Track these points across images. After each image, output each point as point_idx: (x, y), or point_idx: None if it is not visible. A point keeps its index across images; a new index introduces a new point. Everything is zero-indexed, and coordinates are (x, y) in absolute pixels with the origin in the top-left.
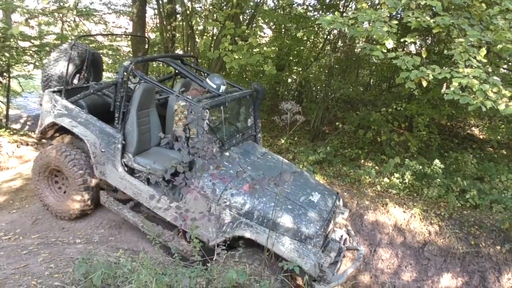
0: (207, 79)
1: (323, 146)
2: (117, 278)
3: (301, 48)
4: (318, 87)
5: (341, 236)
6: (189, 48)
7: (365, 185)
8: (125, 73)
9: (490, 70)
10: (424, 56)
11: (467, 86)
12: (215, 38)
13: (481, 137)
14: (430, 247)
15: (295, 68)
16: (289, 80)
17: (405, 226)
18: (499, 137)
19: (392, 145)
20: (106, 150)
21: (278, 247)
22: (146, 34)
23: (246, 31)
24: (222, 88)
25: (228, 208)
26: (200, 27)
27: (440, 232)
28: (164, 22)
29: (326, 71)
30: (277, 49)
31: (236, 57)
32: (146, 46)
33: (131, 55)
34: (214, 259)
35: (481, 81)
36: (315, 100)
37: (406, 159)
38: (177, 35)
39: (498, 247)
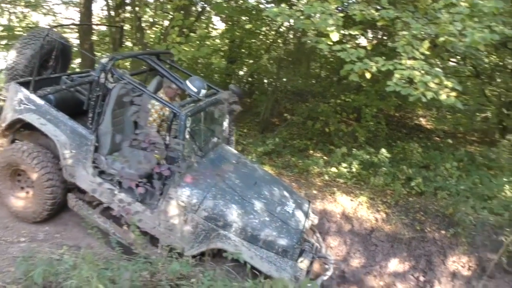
0: (187, 82)
1: (272, 138)
2: (59, 275)
3: (252, 40)
4: (270, 80)
5: (313, 245)
6: (137, 41)
7: (313, 175)
8: (102, 71)
9: (437, 62)
10: (369, 48)
11: (409, 78)
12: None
13: (428, 127)
14: (377, 233)
15: (247, 60)
16: (241, 72)
17: (352, 214)
18: (445, 127)
19: (341, 136)
20: (77, 151)
21: (256, 260)
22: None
23: (196, 23)
24: (203, 92)
25: (206, 219)
26: (150, 19)
27: (387, 219)
28: (112, 13)
29: (276, 64)
30: (228, 41)
31: (185, 49)
32: (119, 36)
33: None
34: (158, 251)
35: (423, 72)
36: (266, 92)
37: (354, 149)
38: (127, 26)
39: (443, 232)
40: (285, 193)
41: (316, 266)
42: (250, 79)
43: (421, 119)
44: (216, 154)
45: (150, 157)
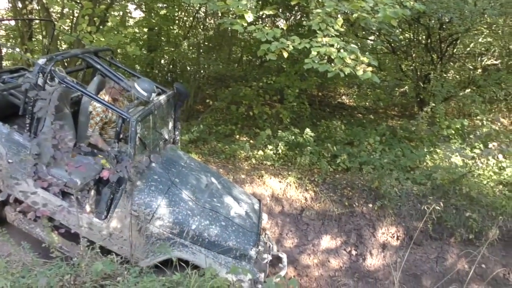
0: (136, 85)
1: (196, 125)
2: None
3: (170, 27)
4: (192, 67)
5: (266, 244)
6: (45, 33)
7: (240, 160)
8: (40, 74)
9: (352, 40)
10: (284, 28)
11: (327, 55)
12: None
13: (350, 104)
14: (307, 212)
15: (167, 48)
16: (162, 61)
17: (282, 195)
18: (367, 103)
19: (265, 118)
20: (14, 161)
21: (215, 267)
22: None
23: (109, 12)
24: (153, 95)
25: (160, 227)
26: (59, 9)
27: (316, 197)
28: (19, 5)
29: (196, 50)
30: (146, 30)
31: (96, 38)
32: (27, 30)
33: None
34: (79, 253)
35: (339, 48)
36: (189, 79)
37: (279, 131)
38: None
39: (370, 205)
40: (236, 194)
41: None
42: (172, 67)
43: (343, 97)
44: (165, 157)
45: (94, 163)
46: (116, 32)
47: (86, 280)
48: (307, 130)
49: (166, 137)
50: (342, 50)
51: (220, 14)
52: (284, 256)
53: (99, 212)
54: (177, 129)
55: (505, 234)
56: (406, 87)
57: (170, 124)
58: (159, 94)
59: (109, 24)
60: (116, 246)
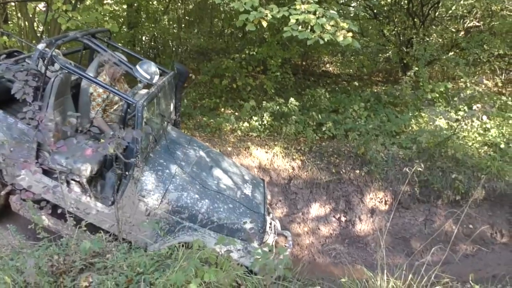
0: (138, 67)
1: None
2: None
3: (150, 2)
4: (173, 42)
5: (271, 223)
6: (20, 15)
7: (226, 133)
8: (40, 59)
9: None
10: None
11: (305, 22)
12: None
13: (335, 72)
14: (295, 181)
15: (147, 24)
16: (143, 37)
17: (269, 166)
18: (351, 70)
19: (249, 90)
20: (15, 149)
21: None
22: None
23: None
24: (156, 78)
25: (169, 212)
26: None
27: (303, 166)
28: None
29: (176, 24)
30: (125, 6)
31: (73, 16)
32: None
33: None
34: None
35: (318, 16)
36: (171, 55)
37: (264, 101)
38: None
39: (358, 171)
40: (241, 174)
41: (277, 245)
42: (153, 43)
43: (327, 65)
44: (168, 139)
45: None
46: (93, 10)
47: (75, 259)
48: (292, 99)
49: (168, 118)
50: (321, 17)
51: None
52: (289, 235)
53: (104, 198)
54: (178, 110)
55: (491, 194)
56: (390, 52)
57: (172, 105)
58: (160, 75)
59: (87, 2)
60: (124, 232)
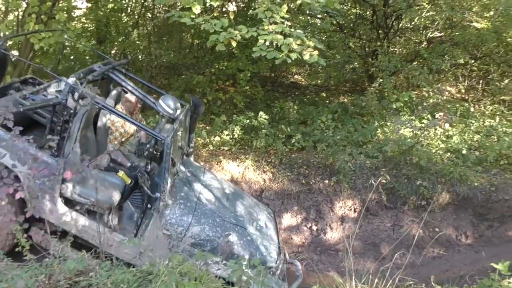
0: (161, 102)
1: (152, 115)
2: None
3: (119, 15)
4: (143, 57)
5: (282, 251)
6: None
7: (198, 147)
8: (70, 93)
9: (298, 24)
10: (232, 17)
11: (273, 41)
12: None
13: (303, 83)
14: (267, 193)
15: (117, 39)
16: (113, 52)
17: (241, 179)
18: (318, 81)
19: (219, 104)
20: (41, 181)
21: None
22: None
23: (55, 8)
24: (178, 112)
25: (192, 245)
26: (3, 8)
27: (274, 177)
28: None
29: (146, 39)
30: (94, 22)
31: (45, 36)
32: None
33: None
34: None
35: (285, 35)
36: (141, 69)
37: (234, 115)
38: None
39: (327, 181)
40: (252, 205)
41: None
42: (123, 58)
43: (296, 76)
44: (186, 171)
45: (116, 180)
46: (60, 27)
47: (60, 279)
48: (261, 113)
49: (184, 150)
50: (288, 37)
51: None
52: (298, 264)
53: (122, 229)
54: (191, 142)
55: (455, 198)
56: (356, 63)
57: (186, 137)
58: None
59: (57, 17)
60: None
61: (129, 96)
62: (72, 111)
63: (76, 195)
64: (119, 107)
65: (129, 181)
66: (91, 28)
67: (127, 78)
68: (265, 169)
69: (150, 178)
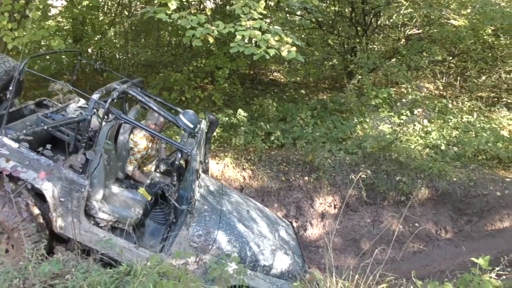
0: (182, 117)
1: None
2: None
3: (95, 13)
4: (120, 55)
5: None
6: None
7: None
8: (95, 110)
9: (276, 20)
10: (209, 13)
11: (251, 38)
12: None
13: (282, 81)
14: (247, 190)
15: (93, 37)
16: (89, 50)
17: (221, 176)
18: (298, 78)
19: (198, 102)
20: (66, 199)
21: None
22: None
23: (28, 6)
24: (198, 127)
25: (219, 257)
26: None
27: (254, 175)
28: None
29: (123, 38)
30: (70, 20)
31: (18, 35)
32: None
33: None
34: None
35: (264, 31)
36: (118, 68)
37: (213, 113)
38: None
39: (307, 178)
40: (272, 217)
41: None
42: (100, 56)
43: (275, 73)
44: (206, 186)
45: (138, 197)
46: (35, 26)
47: (35, 282)
48: (240, 110)
49: (202, 165)
50: (266, 33)
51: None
52: (311, 271)
53: (149, 245)
54: (207, 158)
55: (434, 193)
56: (335, 60)
57: (203, 152)
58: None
59: (30, 15)
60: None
61: (153, 118)
62: (100, 128)
63: (101, 212)
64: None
65: (149, 198)
66: (67, 27)
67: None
68: (244, 167)
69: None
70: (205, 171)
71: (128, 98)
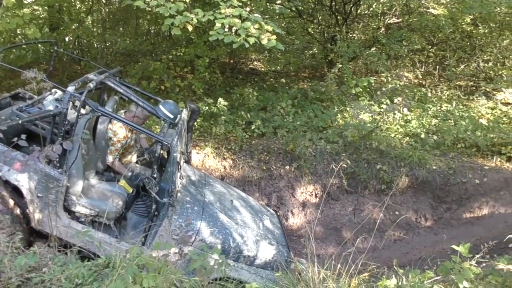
0: (161, 107)
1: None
2: None
3: (71, 3)
4: (98, 44)
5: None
6: None
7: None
8: (72, 103)
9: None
10: (188, 1)
11: (230, 26)
12: None
13: (262, 70)
14: (227, 180)
15: (70, 25)
16: (67, 39)
17: (201, 166)
18: (278, 67)
19: (178, 91)
20: (44, 195)
21: (258, 281)
22: None
23: None
24: (179, 117)
25: (202, 249)
26: None
27: (234, 164)
28: None
29: (101, 26)
30: (46, 7)
31: None
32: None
33: None
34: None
35: (243, 19)
36: (96, 57)
37: (187, 100)
38: None
39: (288, 167)
40: (256, 207)
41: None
42: (78, 45)
43: (255, 62)
44: (187, 177)
45: (119, 190)
46: (12, 15)
47: (11, 276)
48: (220, 99)
49: (183, 155)
50: (246, 20)
51: None
52: (304, 262)
53: (128, 238)
54: (189, 147)
55: (414, 181)
56: (315, 49)
57: (184, 142)
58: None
59: (4, 3)
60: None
61: (135, 110)
62: (76, 121)
63: (80, 206)
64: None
65: (131, 190)
66: (43, 15)
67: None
68: (225, 156)
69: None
70: (187, 161)
71: (107, 88)
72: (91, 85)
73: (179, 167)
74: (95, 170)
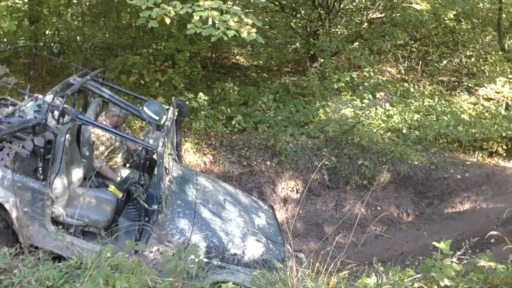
0: (145, 109)
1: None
2: None
3: None
4: (78, 37)
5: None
6: None
7: (136, 131)
8: (50, 112)
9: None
10: None
11: (209, 18)
12: None
13: (244, 64)
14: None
15: (50, 19)
16: (47, 32)
17: (181, 162)
18: (260, 62)
19: (158, 86)
20: (30, 209)
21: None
22: None
23: None
24: (164, 118)
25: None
26: None
27: (214, 160)
28: None
29: (81, 19)
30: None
31: None
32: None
33: None
34: None
35: (222, 12)
36: (75, 50)
37: (173, 97)
38: None
39: (268, 163)
40: (251, 204)
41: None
42: (57, 38)
43: (237, 57)
44: (178, 178)
45: (108, 196)
46: None
47: None
48: (201, 94)
49: (173, 155)
50: (225, 13)
51: None
52: (303, 257)
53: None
54: (179, 146)
55: (396, 177)
56: (297, 44)
57: (173, 141)
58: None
59: None
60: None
61: (116, 110)
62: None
63: (68, 217)
64: (102, 119)
65: (121, 195)
66: (23, 8)
67: (105, 87)
68: (205, 152)
69: (145, 191)
70: (178, 160)
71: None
72: (69, 92)
73: (168, 172)
74: (82, 178)
